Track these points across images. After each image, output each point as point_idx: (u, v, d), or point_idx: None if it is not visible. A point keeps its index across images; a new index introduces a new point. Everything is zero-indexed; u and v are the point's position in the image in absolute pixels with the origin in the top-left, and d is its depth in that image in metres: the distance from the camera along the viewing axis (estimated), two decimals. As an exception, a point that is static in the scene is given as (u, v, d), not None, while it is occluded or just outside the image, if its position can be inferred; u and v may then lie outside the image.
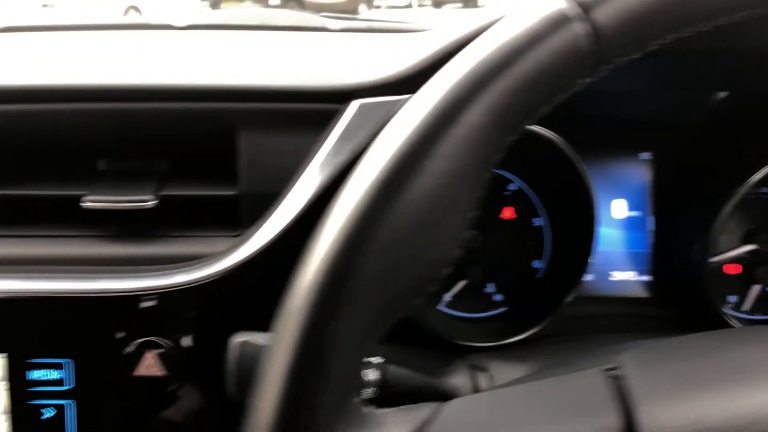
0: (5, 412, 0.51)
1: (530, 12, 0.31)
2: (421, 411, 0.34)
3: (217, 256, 0.52)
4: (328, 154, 0.51)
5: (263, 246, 0.51)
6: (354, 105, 0.51)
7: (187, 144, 0.55)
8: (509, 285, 0.69)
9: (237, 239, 0.53)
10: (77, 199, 0.53)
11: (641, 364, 0.36)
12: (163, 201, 0.53)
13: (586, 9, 0.30)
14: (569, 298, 0.62)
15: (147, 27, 1.00)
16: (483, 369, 0.52)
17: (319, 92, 0.52)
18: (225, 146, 0.54)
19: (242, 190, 0.54)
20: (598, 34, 0.31)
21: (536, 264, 0.69)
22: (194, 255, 0.53)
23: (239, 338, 0.45)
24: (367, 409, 0.34)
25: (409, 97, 0.51)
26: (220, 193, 0.55)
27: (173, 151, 0.56)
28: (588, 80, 0.32)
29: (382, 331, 0.32)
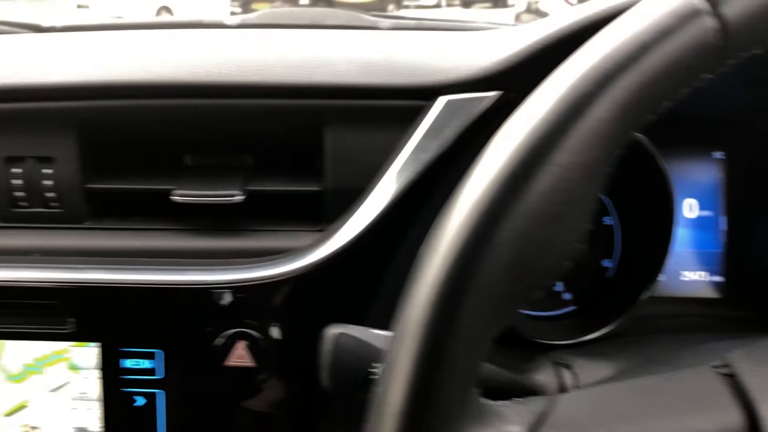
0: (98, 400, 0.53)
1: (658, 5, 0.31)
2: (536, 404, 0.35)
3: (304, 250, 0.53)
4: (414, 151, 0.52)
5: (349, 241, 0.52)
6: (441, 101, 0.52)
7: (273, 140, 0.56)
8: (578, 284, 0.69)
9: (321, 234, 0.54)
10: (167, 193, 0.55)
11: (753, 363, 0.36)
12: (249, 196, 0.54)
13: (714, 4, 0.30)
14: (643, 297, 0.62)
15: (201, 26, 1.02)
16: (567, 366, 0.52)
17: (406, 89, 0.52)
18: (310, 142, 0.55)
19: (327, 185, 0.55)
20: (726, 29, 0.30)
21: (606, 263, 0.69)
22: (278, 249, 0.54)
23: (334, 330, 0.45)
24: (486, 402, 0.34)
25: (497, 94, 0.52)
26: (304, 188, 0.55)
27: (259, 146, 0.57)
28: (710, 76, 0.32)
29: (503, 325, 0.33)
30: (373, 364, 0.44)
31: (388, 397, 0.31)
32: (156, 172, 0.57)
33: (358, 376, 0.45)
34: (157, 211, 0.56)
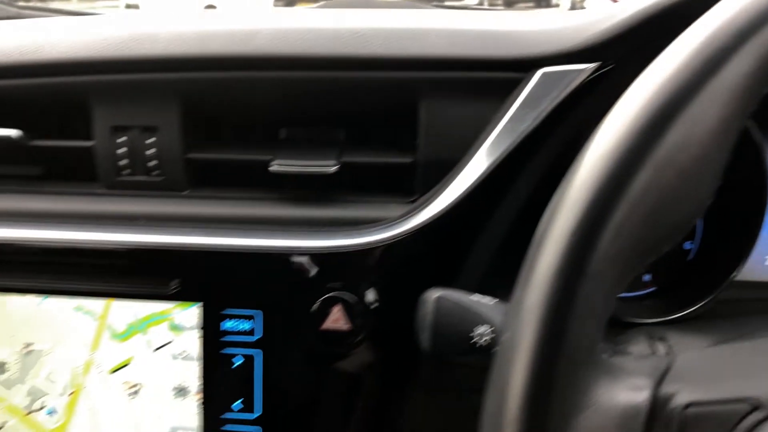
0: (198, 359, 0.55)
1: None
2: (657, 360, 0.35)
3: (397, 219, 0.54)
4: (509, 123, 0.52)
5: (442, 210, 0.53)
6: (538, 73, 0.52)
7: (367, 112, 0.57)
8: (658, 265, 0.68)
9: (413, 204, 0.55)
10: (264, 163, 0.56)
11: None
12: (343, 167, 0.56)
13: None
14: (727, 281, 0.61)
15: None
16: (662, 338, 0.52)
17: (504, 61, 0.53)
18: (405, 114, 0.56)
19: (420, 157, 0.56)
20: None
21: (687, 245, 0.68)
22: (370, 219, 0.55)
23: (434, 293, 0.46)
24: (608, 357, 0.34)
25: (595, 66, 0.52)
26: (397, 160, 0.57)
27: (354, 118, 0.58)
28: None
29: (633, 276, 0.33)
30: (475, 329, 0.45)
31: (518, 343, 0.32)
32: (253, 143, 0.59)
33: (459, 340, 0.45)
34: (254, 181, 0.58)
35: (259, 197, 0.58)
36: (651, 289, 0.68)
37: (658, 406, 0.32)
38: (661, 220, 0.31)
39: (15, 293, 0.56)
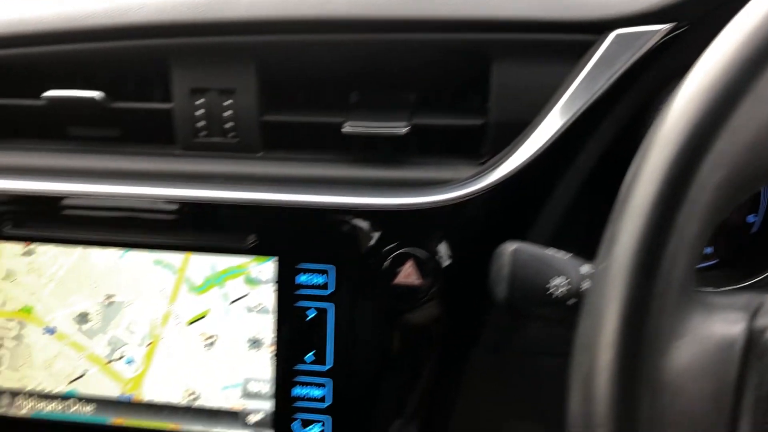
0: (272, 312, 0.57)
1: None
2: (751, 297, 0.35)
3: (468, 179, 0.55)
4: (582, 85, 0.53)
5: (513, 171, 0.54)
6: (612, 35, 0.53)
7: (439, 74, 0.59)
8: (720, 238, 0.68)
9: (483, 166, 0.56)
10: (336, 125, 0.58)
11: None
12: (414, 128, 0.57)
13: None
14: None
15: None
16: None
17: (577, 23, 0.54)
18: (476, 76, 0.57)
19: (491, 119, 0.57)
20: None
21: (751, 218, 0.68)
22: (440, 179, 0.57)
23: (511, 245, 0.47)
24: (701, 290, 0.35)
25: (669, 26, 0.52)
26: (468, 122, 0.58)
27: (425, 80, 0.59)
28: None
29: (726, 213, 0.34)
30: (551, 280, 0.46)
31: (614, 270, 0.32)
32: (325, 105, 0.61)
33: (535, 291, 0.46)
34: (326, 143, 0.60)
35: (331, 159, 0.60)
36: (713, 261, 0.68)
37: (753, 338, 0.33)
38: (762, 152, 0.32)
39: (98, 246, 0.59)
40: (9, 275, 0.60)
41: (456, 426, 0.61)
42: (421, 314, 0.55)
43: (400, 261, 0.54)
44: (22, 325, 0.60)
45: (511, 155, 0.54)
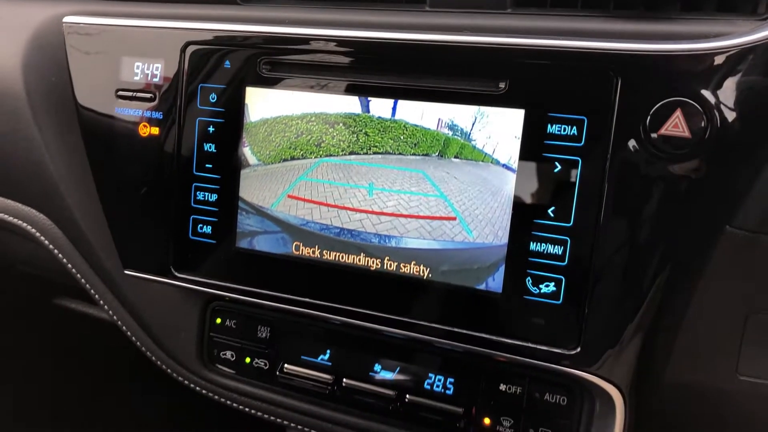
0: (512, 162, 0.55)
1: None
2: None
3: (743, 32, 0.50)
4: None
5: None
6: None
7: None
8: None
9: (764, 21, 0.51)
10: None
11: None
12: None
13: None
14: None
15: None
16: None
17: None
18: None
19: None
20: None
21: None
22: (712, 34, 0.52)
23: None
24: None
25: None
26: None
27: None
28: None
29: None
30: None
31: None
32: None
33: None
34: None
35: (585, 15, 0.57)
36: None
37: None
38: None
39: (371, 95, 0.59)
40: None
41: (694, 312, 0.56)
42: (684, 171, 0.51)
43: (667, 111, 0.50)
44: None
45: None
